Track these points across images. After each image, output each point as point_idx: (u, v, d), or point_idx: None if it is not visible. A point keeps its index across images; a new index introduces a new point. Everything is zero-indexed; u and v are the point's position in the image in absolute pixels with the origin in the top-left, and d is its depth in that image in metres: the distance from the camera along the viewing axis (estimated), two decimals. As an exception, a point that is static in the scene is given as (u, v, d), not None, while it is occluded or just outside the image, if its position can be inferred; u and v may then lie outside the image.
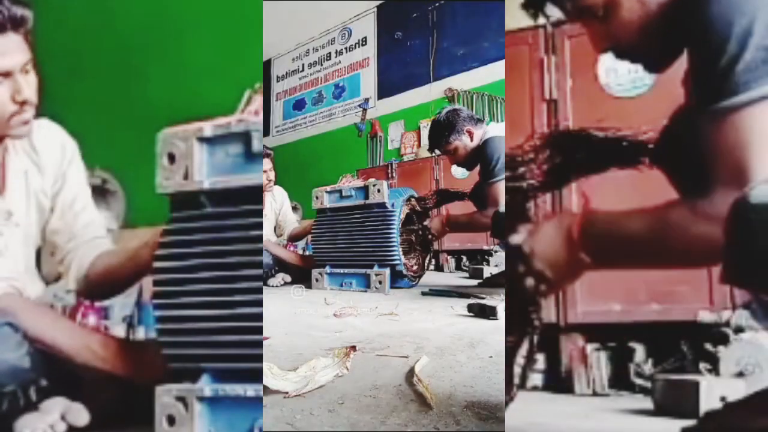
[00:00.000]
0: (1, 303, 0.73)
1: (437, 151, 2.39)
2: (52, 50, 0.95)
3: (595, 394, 1.28)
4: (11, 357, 0.64)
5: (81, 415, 0.67)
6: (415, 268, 2.41)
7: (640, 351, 1.29)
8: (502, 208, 1.90)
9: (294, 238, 2.98)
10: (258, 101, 0.66)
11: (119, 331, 1.74)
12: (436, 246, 2.86)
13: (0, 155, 0.90)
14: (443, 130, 2.23)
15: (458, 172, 4.01)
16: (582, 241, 0.63)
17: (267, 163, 2.79)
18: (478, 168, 2.25)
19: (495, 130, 2.18)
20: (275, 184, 2.96)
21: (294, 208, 3.29)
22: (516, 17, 1.83)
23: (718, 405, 0.70)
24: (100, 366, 0.72)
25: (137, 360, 0.72)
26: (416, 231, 2.47)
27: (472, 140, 2.21)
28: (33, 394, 0.67)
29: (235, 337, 0.58)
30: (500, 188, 2.01)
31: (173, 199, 0.64)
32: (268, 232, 2.92)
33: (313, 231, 2.44)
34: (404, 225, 2.35)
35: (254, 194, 0.62)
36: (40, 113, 0.88)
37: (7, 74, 0.80)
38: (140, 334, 1.77)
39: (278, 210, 3.00)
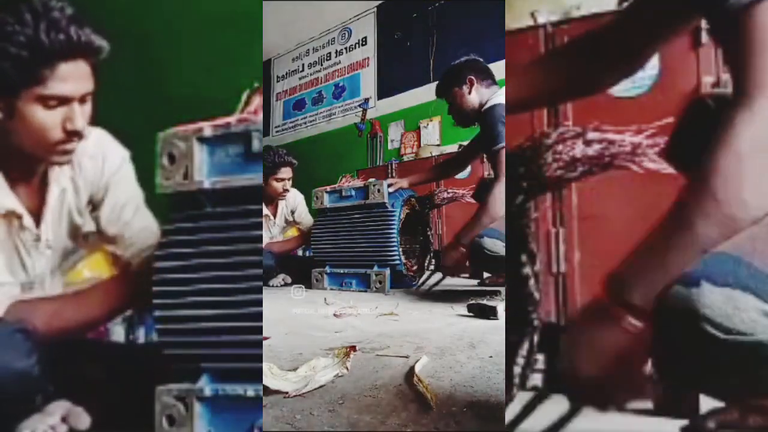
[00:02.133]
0: (16, 308, 0.72)
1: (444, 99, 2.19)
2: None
3: (595, 394, 1.28)
4: (21, 365, 0.64)
5: (82, 419, 0.67)
6: (415, 268, 2.41)
7: (640, 351, 1.29)
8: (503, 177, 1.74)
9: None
10: (258, 101, 0.66)
11: (119, 331, 1.74)
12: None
13: (38, 181, 0.88)
14: (449, 75, 2.13)
15: (458, 172, 4.01)
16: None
17: (288, 172, 2.71)
18: (472, 168, 2.13)
19: (500, 97, 2.00)
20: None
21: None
22: (516, 17, 1.83)
23: (717, 405, 0.70)
24: (110, 309, 0.73)
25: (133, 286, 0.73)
26: (420, 241, 2.45)
27: (470, 92, 2.06)
28: (38, 400, 0.67)
29: (235, 337, 0.58)
30: (503, 156, 1.82)
31: (173, 199, 0.64)
32: (274, 236, 2.91)
33: (313, 231, 2.44)
34: (404, 225, 2.35)
35: (254, 194, 0.62)
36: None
37: (65, 101, 0.78)
38: (140, 334, 1.78)
39: (289, 214, 2.95)
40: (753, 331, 0.46)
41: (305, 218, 2.95)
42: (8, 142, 0.80)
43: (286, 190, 2.78)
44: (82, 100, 0.80)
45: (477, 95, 2.06)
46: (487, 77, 2.11)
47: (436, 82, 2.20)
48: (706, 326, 0.47)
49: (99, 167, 0.94)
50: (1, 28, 0.74)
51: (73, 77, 0.78)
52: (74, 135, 0.80)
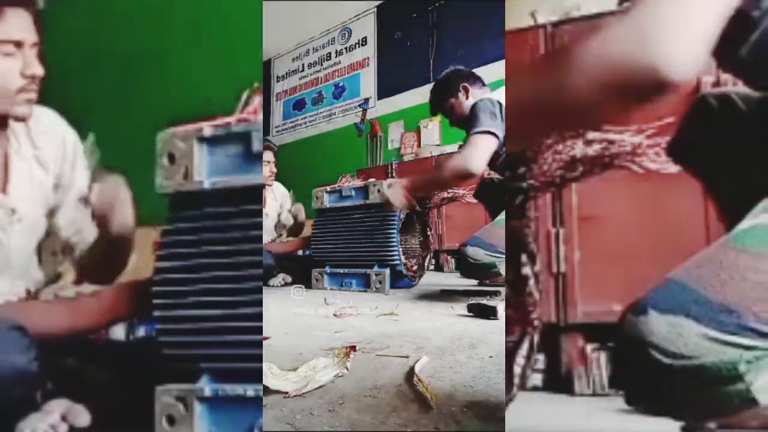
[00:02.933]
0: (8, 309, 0.72)
1: (440, 115, 2.20)
2: (51, 50, 0.95)
3: (595, 394, 1.29)
4: (20, 361, 0.64)
5: (82, 416, 0.67)
6: (415, 268, 2.41)
7: (640, 351, 1.29)
8: (475, 161, 1.71)
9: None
10: (258, 101, 0.66)
11: (119, 331, 1.74)
12: (436, 246, 2.85)
13: (3, 149, 0.89)
14: (439, 89, 2.13)
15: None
16: None
17: (268, 155, 2.78)
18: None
19: (497, 94, 1.97)
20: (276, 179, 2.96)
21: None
22: (516, 17, 1.83)
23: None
24: (104, 320, 0.74)
25: (128, 297, 0.73)
26: (417, 237, 2.46)
27: (468, 98, 2.05)
28: (38, 397, 0.67)
29: (235, 337, 0.58)
30: (478, 140, 1.75)
31: (173, 199, 0.64)
32: (269, 229, 2.92)
33: (313, 231, 2.44)
34: (404, 225, 2.35)
35: (254, 194, 0.62)
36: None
37: (19, 44, 0.80)
38: (140, 333, 1.77)
39: (279, 209, 3.00)
40: (696, 354, 0.49)
41: (288, 219, 3.03)
42: None
43: (273, 173, 2.85)
44: (33, 46, 0.82)
45: (473, 99, 2.06)
46: (477, 80, 2.12)
47: (429, 100, 2.19)
48: (653, 352, 0.50)
49: (60, 148, 0.95)
50: None
51: (20, 24, 0.80)
52: (34, 79, 0.82)
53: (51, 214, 0.96)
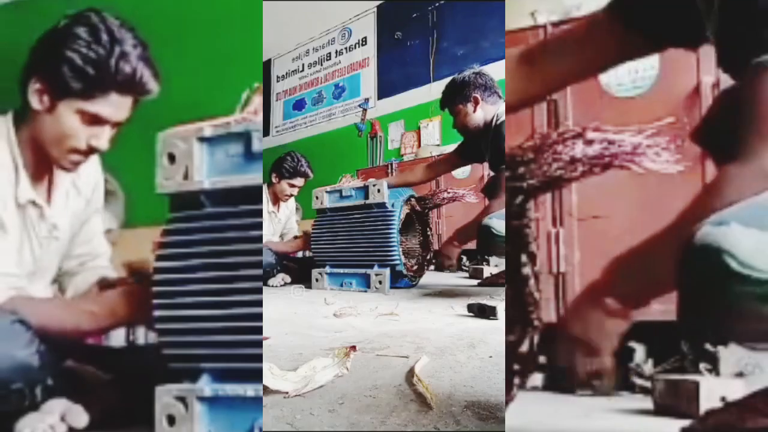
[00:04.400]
0: (14, 302, 0.73)
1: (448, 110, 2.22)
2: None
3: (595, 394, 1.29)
4: (21, 354, 0.65)
5: (80, 417, 0.67)
6: (415, 268, 2.41)
7: (640, 351, 1.29)
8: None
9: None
10: (258, 101, 0.66)
11: (119, 331, 1.74)
12: (436, 246, 2.85)
13: (47, 179, 0.92)
14: (454, 89, 2.12)
15: (458, 171, 4.01)
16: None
17: (301, 182, 2.83)
18: (472, 168, 2.15)
19: None
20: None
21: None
22: (516, 17, 1.83)
23: (718, 405, 0.70)
24: (106, 324, 0.74)
25: (132, 302, 0.74)
26: (418, 237, 2.46)
27: (475, 110, 2.06)
28: (39, 393, 0.67)
29: (235, 337, 0.58)
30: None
31: (173, 199, 0.64)
32: (277, 232, 2.94)
33: (313, 231, 2.44)
34: (404, 225, 2.35)
35: (254, 194, 0.62)
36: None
37: (101, 122, 0.82)
38: (140, 334, 1.77)
39: (288, 215, 3.03)
40: None
41: (292, 224, 3.08)
42: (35, 133, 0.83)
43: (292, 195, 2.90)
44: (114, 125, 0.84)
45: (482, 112, 2.07)
46: (492, 93, 2.10)
47: (439, 88, 2.19)
48: (730, 261, 0.48)
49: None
50: (76, 37, 0.78)
51: (117, 105, 0.82)
52: (93, 152, 0.85)
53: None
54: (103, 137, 0.84)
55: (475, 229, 1.88)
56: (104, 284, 0.94)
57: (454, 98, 2.11)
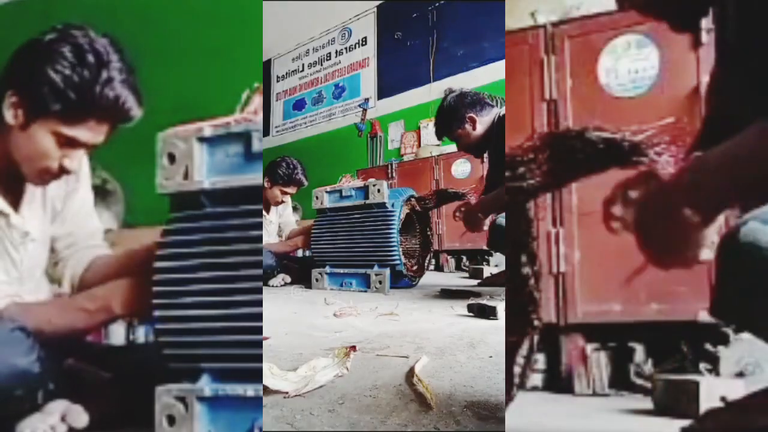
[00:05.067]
0: (11, 310, 0.73)
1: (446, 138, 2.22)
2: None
3: (595, 394, 1.29)
4: (22, 362, 0.64)
5: (80, 417, 0.67)
6: (415, 268, 2.41)
7: (640, 351, 1.29)
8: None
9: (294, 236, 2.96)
10: (258, 101, 0.66)
11: (119, 331, 1.74)
12: (436, 246, 2.85)
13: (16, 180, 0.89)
14: (446, 117, 2.13)
15: (458, 171, 4.01)
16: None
17: (294, 189, 2.78)
18: (481, 163, 2.14)
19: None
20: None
21: (294, 208, 3.29)
22: (516, 17, 1.83)
23: (718, 405, 0.70)
24: (100, 319, 0.73)
25: (126, 295, 0.73)
26: (418, 237, 2.45)
27: (474, 128, 2.07)
28: (40, 397, 0.67)
29: (235, 337, 0.58)
30: None
31: (173, 199, 0.64)
32: (272, 235, 2.92)
33: (313, 231, 2.44)
34: (404, 225, 2.35)
35: (254, 194, 0.62)
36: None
37: (76, 145, 0.80)
38: (140, 333, 1.77)
39: (281, 217, 3.01)
40: None
41: (289, 219, 3.04)
42: (6, 146, 0.80)
43: (283, 202, 2.85)
44: (89, 147, 0.82)
45: (482, 126, 2.07)
46: (483, 105, 2.11)
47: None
48: None
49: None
50: (61, 56, 0.74)
51: (95, 130, 0.79)
52: (64, 173, 0.82)
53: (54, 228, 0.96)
54: (75, 159, 0.81)
55: (500, 202, 1.90)
56: (100, 271, 0.92)
57: (451, 125, 2.11)
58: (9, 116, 0.78)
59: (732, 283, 0.54)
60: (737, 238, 0.51)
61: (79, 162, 0.82)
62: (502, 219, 1.88)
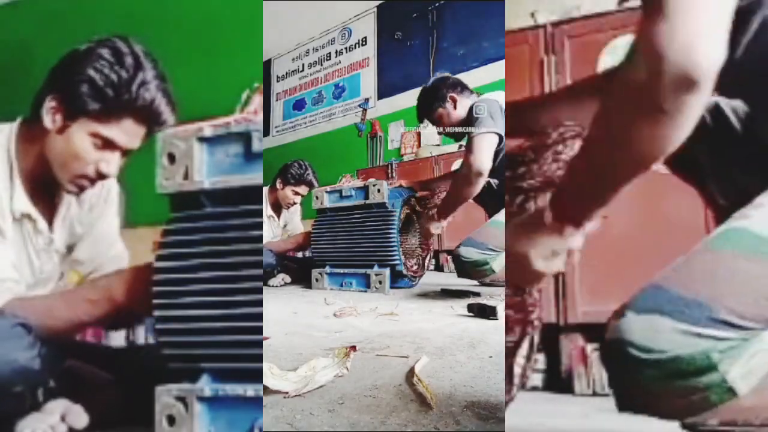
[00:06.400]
0: (13, 305, 0.72)
1: (426, 122, 2.24)
2: (51, 46, 0.95)
3: (595, 394, 1.29)
4: (23, 357, 0.64)
5: (80, 417, 0.67)
6: (415, 268, 2.41)
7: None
8: (485, 162, 1.80)
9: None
10: (258, 101, 0.66)
11: (119, 331, 1.74)
12: (436, 246, 2.85)
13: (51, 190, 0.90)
14: (427, 97, 2.13)
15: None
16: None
17: (305, 190, 2.81)
18: (458, 149, 2.16)
19: (489, 96, 2.02)
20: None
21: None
22: (516, 17, 1.83)
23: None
24: (103, 309, 0.73)
25: (129, 285, 0.72)
26: (419, 238, 2.46)
27: (455, 108, 2.07)
28: (40, 395, 0.67)
29: (235, 337, 0.58)
30: (483, 140, 1.83)
31: (173, 199, 0.64)
32: (276, 236, 2.93)
33: (313, 231, 2.44)
34: (404, 225, 2.35)
35: (254, 194, 0.62)
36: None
37: (113, 147, 0.81)
38: (140, 335, 1.78)
39: (289, 219, 3.02)
40: (670, 348, 0.52)
41: (296, 223, 3.05)
42: (42, 152, 0.82)
43: (294, 203, 2.87)
44: (125, 152, 0.83)
45: (462, 108, 2.08)
46: (465, 89, 2.13)
47: (416, 106, 2.21)
48: (631, 350, 0.53)
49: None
50: (100, 57, 0.77)
51: (131, 133, 0.81)
52: (100, 178, 0.83)
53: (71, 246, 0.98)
54: (113, 163, 0.82)
55: (452, 199, 2.10)
56: None
57: (432, 104, 2.11)
58: (48, 121, 0.79)
59: (615, 384, 0.59)
60: (605, 340, 0.56)
61: (116, 167, 0.83)
62: (458, 249, 1.96)
